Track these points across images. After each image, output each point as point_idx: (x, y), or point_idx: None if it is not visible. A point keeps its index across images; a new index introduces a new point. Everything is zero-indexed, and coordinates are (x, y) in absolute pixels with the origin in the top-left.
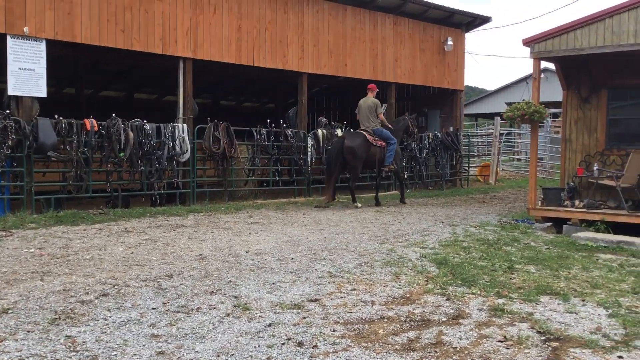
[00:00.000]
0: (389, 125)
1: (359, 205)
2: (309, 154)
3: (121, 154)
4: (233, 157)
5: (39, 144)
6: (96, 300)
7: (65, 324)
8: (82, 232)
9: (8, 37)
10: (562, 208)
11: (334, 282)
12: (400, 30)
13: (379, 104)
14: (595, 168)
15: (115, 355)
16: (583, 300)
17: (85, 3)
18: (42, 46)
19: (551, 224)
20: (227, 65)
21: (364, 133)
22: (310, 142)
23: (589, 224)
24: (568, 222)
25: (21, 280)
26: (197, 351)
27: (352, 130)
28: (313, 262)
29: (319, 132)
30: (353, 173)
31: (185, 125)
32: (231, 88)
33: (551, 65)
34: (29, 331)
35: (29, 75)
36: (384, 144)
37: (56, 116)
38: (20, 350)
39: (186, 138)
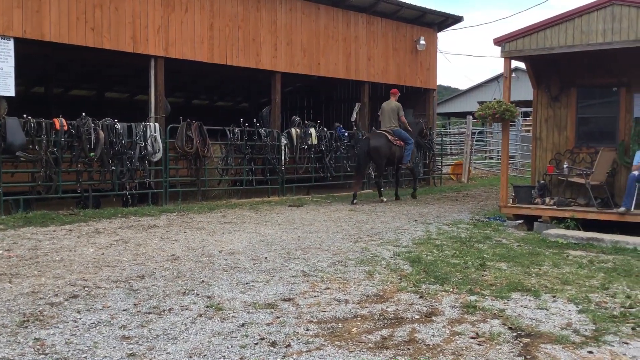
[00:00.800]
0: (409, 128)
1: (385, 199)
2: (283, 153)
3: (92, 154)
4: (206, 156)
5: (7, 144)
6: (66, 302)
7: (34, 326)
8: (51, 233)
9: None
10: (533, 206)
11: (307, 281)
12: (374, 29)
13: (401, 108)
14: (565, 166)
15: (85, 357)
16: (554, 297)
17: (54, 1)
18: (10, 45)
19: (522, 221)
20: (199, 64)
21: (385, 133)
22: (284, 141)
23: (560, 221)
24: (539, 220)
25: None
26: (169, 352)
27: (371, 133)
28: (287, 262)
29: (293, 131)
30: (378, 170)
31: (157, 124)
32: (204, 87)
33: (522, 65)
34: None
35: None
36: (402, 143)
37: (25, 115)
38: None
39: (158, 137)
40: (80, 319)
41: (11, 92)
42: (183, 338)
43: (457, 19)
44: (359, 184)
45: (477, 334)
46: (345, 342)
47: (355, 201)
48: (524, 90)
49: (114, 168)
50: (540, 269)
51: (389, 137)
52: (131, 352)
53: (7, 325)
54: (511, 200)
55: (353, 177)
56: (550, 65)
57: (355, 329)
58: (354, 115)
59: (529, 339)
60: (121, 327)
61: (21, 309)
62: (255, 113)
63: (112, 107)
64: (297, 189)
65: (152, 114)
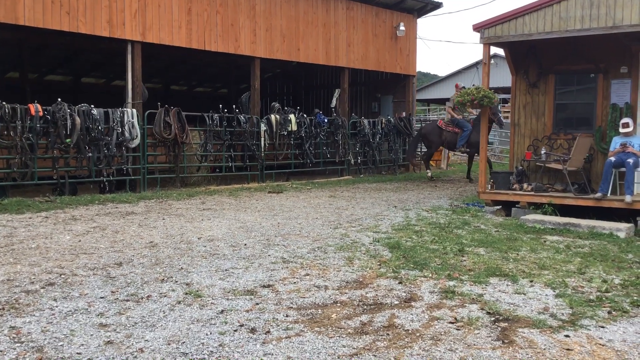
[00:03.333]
0: (455, 116)
1: (430, 173)
2: (262, 139)
3: (68, 140)
4: (185, 142)
5: None
6: (42, 290)
7: (10, 314)
8: (27, 220)
9: None
10: (511, 191)
11: (287, 267)
12: (353, 15)
13: (451, 100)
14: (542, 152)
15: (61, 345)
16: (531, 282)
17: None
18: None
19: (500, 207)
20: (177, 49)
21: (438, 121)
22: (263, 127)
23: (537, 207)
24: (517, 205)
25: None
26: (147, 340)
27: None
28: (266, 248)
29: (272, 117)
30: (428, 150)
31: (134, 110)
32: (182, 73)
33: (501, 52)
34: None
35: None
36: (457, 130)
37: None
38: None
39: (136, 123)
40: (56, 306)
41: None
42: (161, 325)
43: (436, 5)
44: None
45: (455, 318)
46: (324, 328)
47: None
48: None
49: (90, 154)
50: (518, 254)
51: (441, 124)
52: (109, 339)
53: None
54: (489, 186)
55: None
56: (529, 52)
57: (334, 314)
58: (334, 102)
59: (506, 324)
60: (98, 315)
61: None
62: (235, 99)
63: (89, 93)
64: (276, 175)
65: (130, 100)
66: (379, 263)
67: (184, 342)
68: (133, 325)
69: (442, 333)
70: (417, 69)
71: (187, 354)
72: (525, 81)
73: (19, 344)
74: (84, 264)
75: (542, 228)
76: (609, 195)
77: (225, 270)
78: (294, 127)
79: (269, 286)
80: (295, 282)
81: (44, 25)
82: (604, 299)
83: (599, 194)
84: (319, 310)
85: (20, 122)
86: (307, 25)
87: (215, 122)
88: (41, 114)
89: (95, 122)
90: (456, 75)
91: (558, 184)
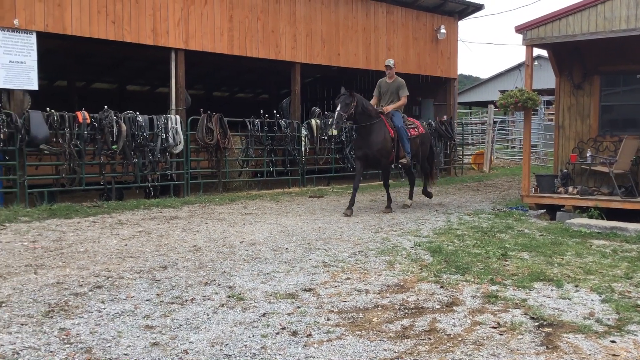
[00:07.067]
0: None
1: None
2: (303, 144)
3: (114, 147)
4: (227, 148)
5: (31, 137)
6: (90, 293)
7: (59, 316)
8: (75, 224)
9: None
10: (555, 195)
11: (328, 271)
12: (393, 18)
13: None
14: (588, 154)
15: (109, 346)
16: (576, 286)
17: None
18: (33, 39)
19: (545, 210)
20: (219, 55)
21: None
22: (304, 132)
23: (583, 211)
24: (562, 209)
25: (15, 274)
26: (191, 341)
27: None
28: (307, 252)
29: (313, 122)
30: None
31: (178, 116)
32: (224, 79)
33: (545, 53)
34: (22, 324)
35: (20, 68)
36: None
37: (48, 109)
38: (14, 343)
39: (179, 129)
40: (104, 309)
41: (34, 85)
42: (205, 327)
43: (478, 7)
44: None
45: (498, 323)
46: (366, 331)
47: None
48: (546, 78)
49: (136, 160)
50: (562, 258)
51: None
52: (154, 341)
53: (33, 316)
54: (533, 189)
55: None
56: (573, 53)
57: (375, 318)
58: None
59: (551, 329)
60: (144, 317)
61: (46, 300)
62: (275, 104)
63: (134, 100)
64: (317, 179)
65: (173, 106)
66: (420, 267)
67: (227, 344)
68: (178, 327)
69: (485, 338)
70: (459, 72)
71: (230, 356)
72: (569, 82)
73: (68, 345)
74: (130, 267)
75: (588, 232)
76: None
77: (267, 273)
78: (335, 132)
79: (310, 290)
80: (336, 286)
81: (91, 34)
82: None
83: None
84: (360, 314)
85: (68, 129)
86: (347, 30)
87: (256, 127)
88: (88, 121)
89: (141, 128)
90: (498, 77)
91: (604, 187)
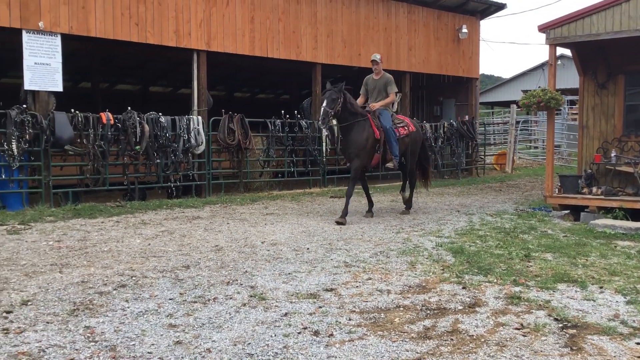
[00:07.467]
0: None
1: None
2: (324, 144)
3: (137, 147)
4: (248, 148)
5: (55, 138)
6: (114, 292)
7: (84, 314)
8: (99, 224)
9: (23, 32)
10: (579, 195)
11: (349, 271)
12: (414, 18)
13: None
14: (612, 155)
15: (133, 345)
16: (601, 288)
17: None
18: (57, 41)
19: (568, 211)
20: (240, 57)
21: None
22: (325, 132)
23: (607, 211)
24: (586, 210)
25: (40, 273)
26: (214, 340)
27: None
28: (328, 252)
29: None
30: None
31: (200, 117)
32: (245, 80)
33: (568, 52)
34: (48, 322)
35: (44, 69)
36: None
37: (72, 110)
38: (40, 341)
39: (201, 130)
40: (128, 307)
41: (59, 87)
42: (228, 327)
43: (500, 6)
44: None
45: (521, 324)
46: (387, 332)
47: None
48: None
49: (158, 161)
50: (587, 259)
51: None
52: (178, 339)
53: (59, 314)
54: (557, 190)
55: None
56: (597, 52)
57: (397, 319)
58: (395, 106)
59: (575, 330)
60: (168, 316)
61: (71, 298)
62: (296, 105)
63: (156, 101)
64: (338, 180)
65: (195, 107)
66: (442, 268)
67: (249, 344)
68: (201, 326)
69: (508, 339)
70: (480, 72)
71: (252, 355)
72: (593, 82)
73: (93, 343)
74: (153, 266)
75: (613, 233)
76: None
77: (289, 273)
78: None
79: (331, 290)
80: (357, 286)
81: (114, 36)
82: None
83: None
84: (382, 314)
85: (92, 130)
86: (368, 30)
87: (277, 127)
88: (112, 122)
89: (163, 129)
90: (521, 77)
91: (629, 188)
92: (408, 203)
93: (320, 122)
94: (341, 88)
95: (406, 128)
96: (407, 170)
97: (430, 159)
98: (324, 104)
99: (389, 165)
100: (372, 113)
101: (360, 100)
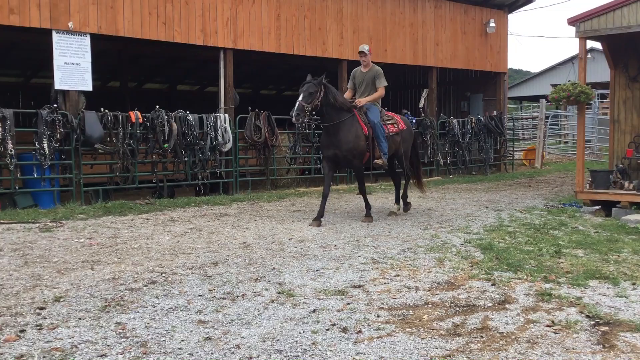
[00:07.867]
0: None
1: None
2: None
3: (165, 145)
4: (274, 145)
5: (86, 137)
6: (144, 288)
7: (115, 311)
8: (129, 222)
9: (53, 33)
10: (611, 191)
11: (377, 268)
12: (441, 13)
13: None
14: None
15: (164, 340)
16: (634, 284)
17: None
18: (87, 40)
19: (600, 207)
20: (267, 54)
21: None
22: None
23: (639, 207)
24: (617, 205)
25: (72, 270)
26: (243, 337)
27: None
28: (356, 249)
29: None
30: None
31: (227, 115)
32: (271, 77)
33: (598, 45)
34: (80, 318)
35: (74, 69)
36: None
37: (102, 109)
38: (73, 337)
39: (228, 128)
40: (158, 304)
41: (89, 86)
42: (256, 323)
43: (528, 0)
44: None
45: (552, 322)
46: (416, 328)
47: None
48: (600, 71)
49: (186, 158)
50: (619, 255)
51: None
52: (207, 335)
53: (90, 310)
54: (588, 185)
55: None
56: (628, 45)
57: (426, 315)
58: (422, 102)
59: (607, 327)
60: (197, 312)
61: (103, 295)
62: None
63: (184, 99)
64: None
65: (222, 105)
66: (470, 264)
67: (278, 340)
68: (230, 323)
69: (539, 336)
70: (509, 66)
71: (281, 351)
72: (624, 75)
73: (124, 339)
74: (182, 263)
75: None
76: None
77: (316, 270)
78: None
79: (359, 286)
80: (385, 283)
81: (142, 35)
82: None
83: None
84: (410, 311)
85: (122, 128)
86: (394, 25)
87: (304, 125)
88: (141, 120)
89: (191, 127)
90: (550, 71)
91: None
92: (406, 205)
93: (293, 118)
94: (321, 81)
95: (396, 126)
96: (401, 174)
97: (420, 157)
98: (300, 98)
99: (378, 162)
100: (359, 109)
101: (347, 95)
